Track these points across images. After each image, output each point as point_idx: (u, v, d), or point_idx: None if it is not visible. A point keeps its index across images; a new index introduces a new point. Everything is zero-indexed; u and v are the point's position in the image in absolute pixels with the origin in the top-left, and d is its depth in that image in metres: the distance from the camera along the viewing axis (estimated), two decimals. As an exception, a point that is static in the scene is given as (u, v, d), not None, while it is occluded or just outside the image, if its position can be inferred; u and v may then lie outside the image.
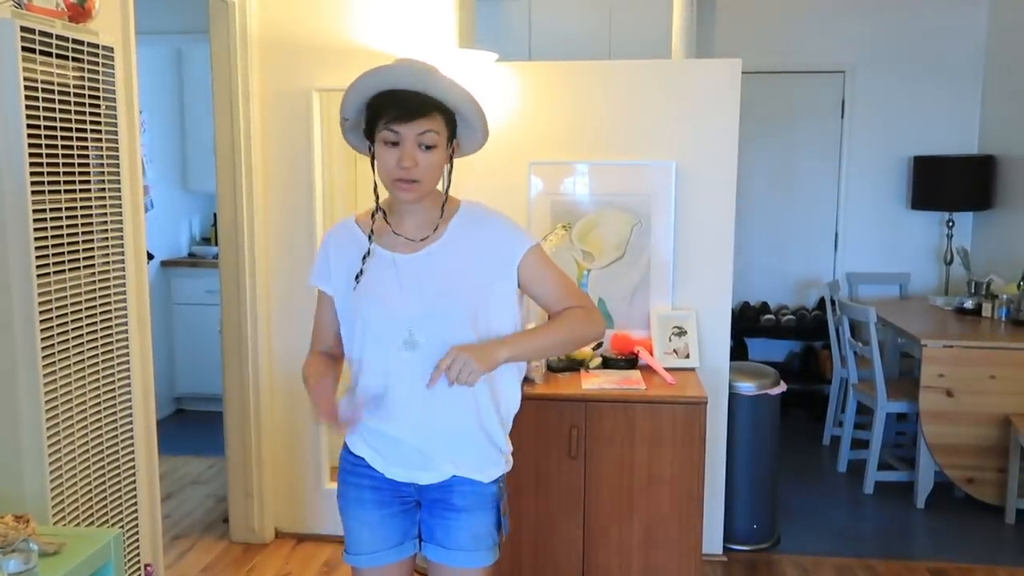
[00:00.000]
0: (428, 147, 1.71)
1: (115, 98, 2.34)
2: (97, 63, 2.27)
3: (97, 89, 2.28)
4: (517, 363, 1.86)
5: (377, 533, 1.87)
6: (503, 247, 1.83)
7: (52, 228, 2.12)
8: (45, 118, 2.08)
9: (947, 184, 5.12)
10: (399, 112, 1.69)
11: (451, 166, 1.81)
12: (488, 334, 1.79)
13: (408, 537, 1.89)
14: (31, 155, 2.04)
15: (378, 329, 1.78)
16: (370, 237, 1.82)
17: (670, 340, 3.24)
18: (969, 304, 4.45)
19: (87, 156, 2.25)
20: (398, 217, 1.83)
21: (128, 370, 2.45)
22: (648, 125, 3.32)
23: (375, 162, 1.76)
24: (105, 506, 2.37)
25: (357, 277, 1.80)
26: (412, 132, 1.69)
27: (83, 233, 2.24)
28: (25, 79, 2.01)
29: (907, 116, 5.40)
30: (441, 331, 1.75)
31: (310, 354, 1.94)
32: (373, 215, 1.83)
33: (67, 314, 2.19)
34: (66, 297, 2.18)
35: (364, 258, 1.81)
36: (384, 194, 1.83)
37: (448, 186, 1.83)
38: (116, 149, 2.36)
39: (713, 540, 3.43)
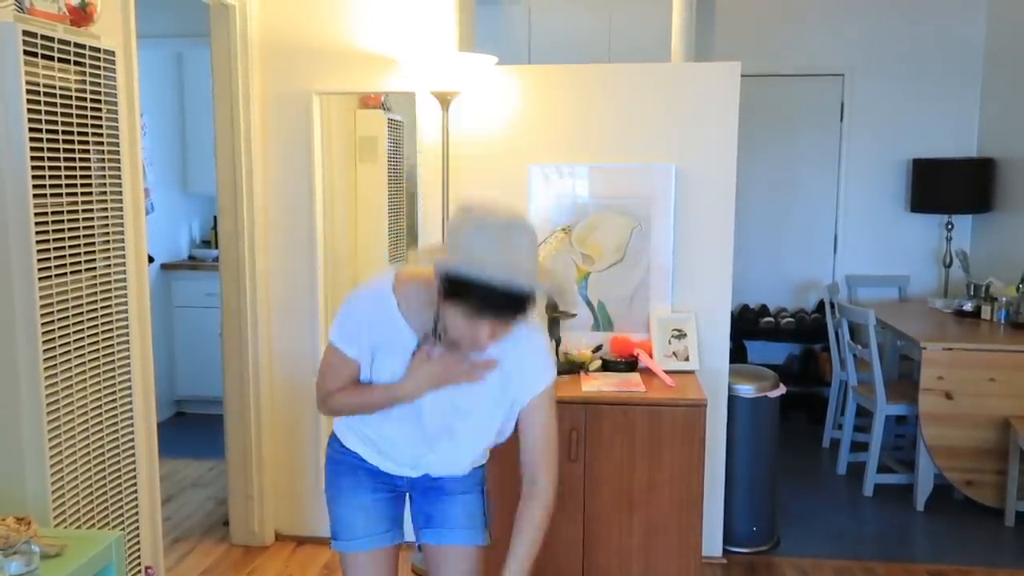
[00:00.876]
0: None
1: (116, 101, 2.35)
2: (98, 67, 2.27)
3: (98, 93, 2.28)
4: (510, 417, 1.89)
5: (370, 516, 1.94)
6: (530, 374, 1.84)
7: (54, 231, 2.13)
8: (47, 121, 2.09)
9: (946, 186, 5.13)
10: (496, 316, 1.63)
11: None
12: (491, 442, 1.90)
13: (395, 525, 1.98)
14: (33, 158, 2.05)
15: (402, 419, 1.84)
16: (422, 337, 1.79)
17: (669, 343, 3.25)
18: (968, 306, 4.45)
19: (88, 159, 2.26)
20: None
21: (129, 372, 2.46)
22: (648, 128, 3.32)
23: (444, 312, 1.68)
24: (106, 508, 2.37)
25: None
26: (499, 329, 1.66)
27: (84, 236, 2.25)
28: (27, 83, 2.01)
29: (906, 119, 5.40)
30: (458, 441, 1.86)
31: (338, 390, 1.86)
32: (433, 334, 1.76)
33: (68, 317, 2.19)
34: (67, 300, 2.19)
35: (414, 355, 1.79)
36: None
37: None
38: (117, 152, 2.37)
39: (713, 542, 3.43)
